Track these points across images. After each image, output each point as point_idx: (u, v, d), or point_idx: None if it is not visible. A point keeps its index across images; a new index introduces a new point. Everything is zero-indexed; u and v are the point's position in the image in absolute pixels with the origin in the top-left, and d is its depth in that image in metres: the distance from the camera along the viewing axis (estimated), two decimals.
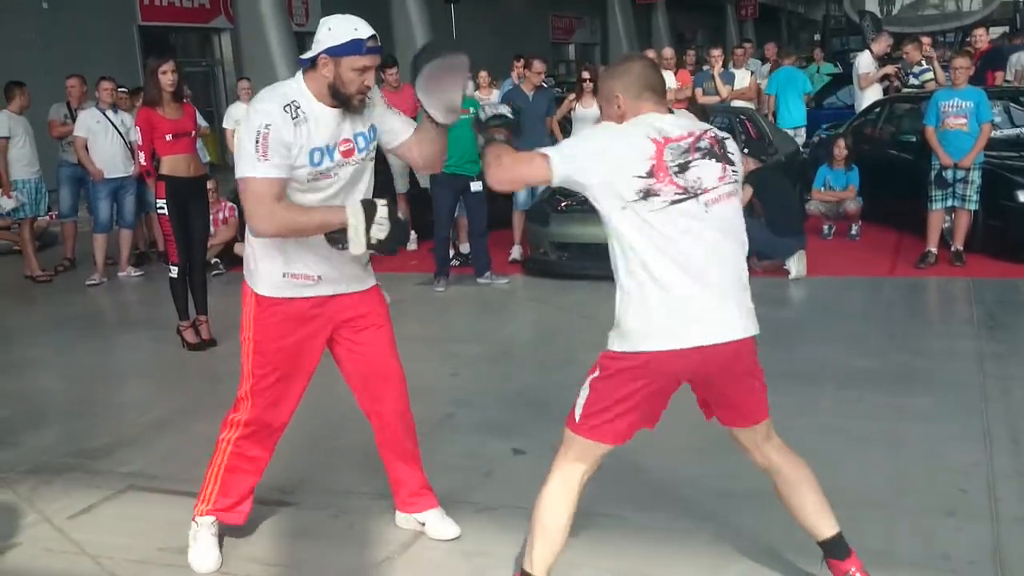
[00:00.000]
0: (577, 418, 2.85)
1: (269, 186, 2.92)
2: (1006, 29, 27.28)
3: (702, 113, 7.91)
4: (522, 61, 8.88)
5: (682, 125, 2.76)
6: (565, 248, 8.04)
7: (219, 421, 5.02)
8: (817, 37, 42.40)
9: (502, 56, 16.62)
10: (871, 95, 10.58)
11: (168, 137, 6.23)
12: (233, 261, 9.13)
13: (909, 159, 8.27)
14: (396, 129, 3.31)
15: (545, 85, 9.28)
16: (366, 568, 3.45)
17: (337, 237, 2.99)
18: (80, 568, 3.54)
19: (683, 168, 2.67)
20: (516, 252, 8.70)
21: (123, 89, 9.22)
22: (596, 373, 2.84)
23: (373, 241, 2.95)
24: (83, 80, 9.45)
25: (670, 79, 11.02)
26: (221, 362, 6.31)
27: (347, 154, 3.12)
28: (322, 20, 3.06)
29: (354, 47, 2.96)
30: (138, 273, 9.08)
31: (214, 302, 7.05)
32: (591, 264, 7.80)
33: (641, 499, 3.86)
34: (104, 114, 8.87)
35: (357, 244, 2.95)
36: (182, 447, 4.69)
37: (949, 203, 7.48)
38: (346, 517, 3.82)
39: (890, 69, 10.70)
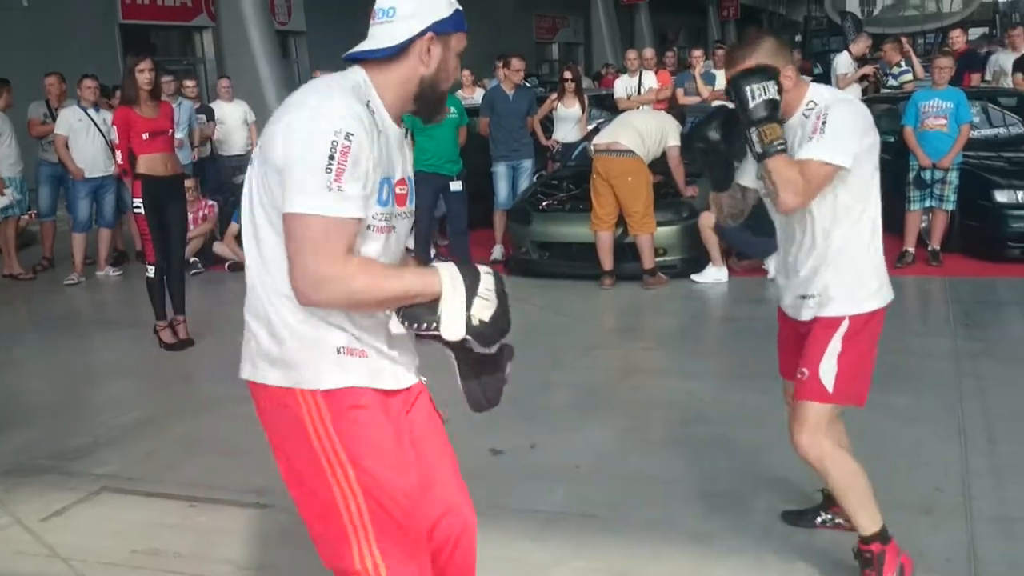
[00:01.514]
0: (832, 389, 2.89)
1: (342, 231, 1.93)
2: (985, 30, 27.49)
3: (682, 114, 7.95)
4: (502, 60, 8.85)
5: None
6: (547, 247, 8.04)
7: (196, 422, 5.04)
8: (798, 38, 42.59)
9: (486, 56, 16.62)
10: (849, 95, 10.61)
11: (145, 136, 6.19)
12: (211, 260, 9.11)
13: (887, 159, 8.26)
14: None
15: (527, 84, 9.27)
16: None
17: (418, 313, 2.04)
18: (52, 571, 3.50)
19: None
20: (498, 252, 8.69)
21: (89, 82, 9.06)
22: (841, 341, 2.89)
23: (475, 322, 2.04)
24: (62, 78, 9.39)
25: (650, 79, 11.05)
26: (198, 362, 6.30)
27: (401, 200, 2.16)
28: None
29: (460, 20, 2.18)
30: (117, 272, 9.03)
31: (192, 301, 7.02)
32: (572, 263, 7.82)
33: (620, 498, 3.85)
34: (86, 112, 8.82)
35: (454, 324, 2.03)
36: (158, 449, 4.66)
37: (927, 203, 7.52)
38: None
39: (868, 70, 10.75)
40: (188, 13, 17.41)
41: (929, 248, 7.61)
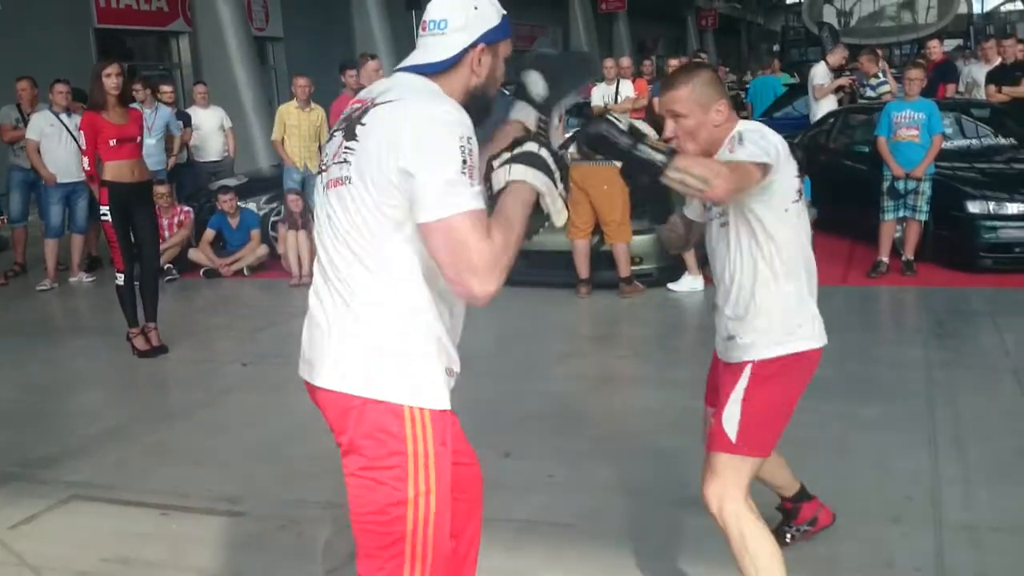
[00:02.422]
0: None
1: (482, 218, 1.92)
2: (960, 42, 27.79)
3: (658, 123, 7.98)
4: None
5: None
6: (523, 255, 7.96)
7: (168, 430, 5.01)
8: (776, 48, 42.89)
9: None
10: (826, 106, 10.70)
11: (112, 142, 6.14)
12: (186, 266, 9.06)
13: (862, 169, 8.37)
14: None
15: (506, 92, 9.26)
16: None
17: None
18: None
19: None
20: None
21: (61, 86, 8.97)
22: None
23: (564, 194, 2.14)
24: (33, 83, 9.30)
25: (627, 88, 11.09)
26: (171, 369, 6.25)
27: None
28: (439, 4, 2.15)
29: (507, 27, 2.18)
30: (90, 278, 8.96)
31: (167, 308, 6.98)
32: (549, 271, 7.82)
33: (594, 508, 3.86)
34: (58, 117, 8.75)
35: (558, 208, 2.13)
36: (129, 457, 4.62)
37: (901, 213, 7.58)
38: (295, 527, 3.78)
39: (845, 81, 10.83)
40: (164, 18, 17.31)
41: (903, 258, 7.67)
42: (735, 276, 2.75)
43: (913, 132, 7.40)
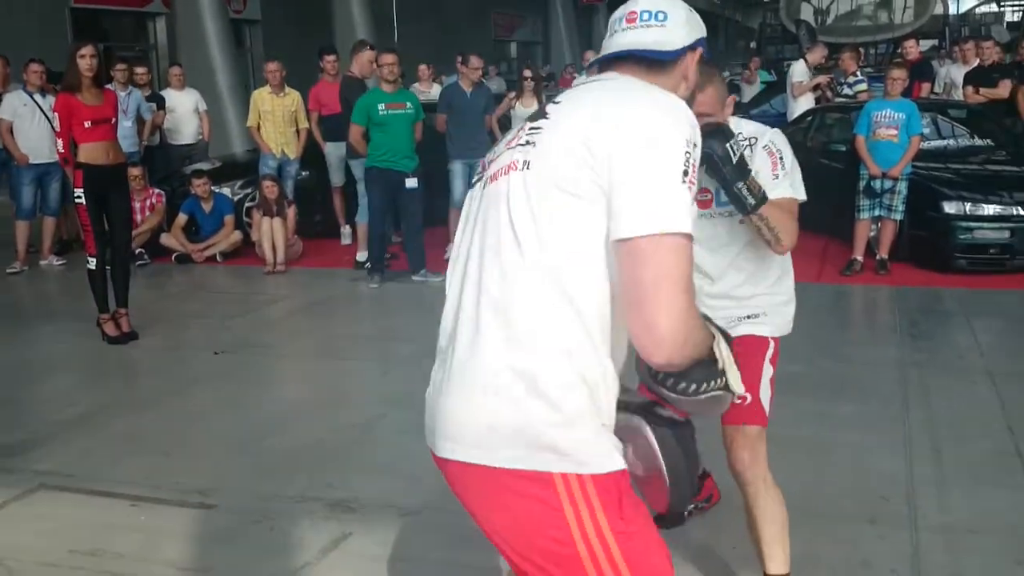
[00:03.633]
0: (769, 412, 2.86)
1: (689, 253, 1.55)
2: (935, 42, 27.97)
3: None
4: (462, 57, 8.80)
5: None
6: None
7: (138, 418, 4.94)
8: (753, 45, 42.96)
9: (444, 51, 16.53)
10: (804, 104, 10.74)
11: (87, 124, 6.04)
12: (158, 251, 8.94)
13: (839, 168, 8.39)
14: None
15: (483, 82, 9.20)
16: (284, 575, 3.36)
17: (705, 373, 1.73)
18: None
19: None
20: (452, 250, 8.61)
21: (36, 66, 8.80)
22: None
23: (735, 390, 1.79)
24: (6, 62, 9.16)
25: None
26: (142, 356, 6.17)
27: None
28: None
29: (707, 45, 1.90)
30: (60, 262, 8.82)
31: (137, 293, 6.88)
32: None
33: None
34: (32, 97, 8.62)
35: (738, 382, 1.77)
36: (98, 446, 4.54)
37: (876, 212, 7.61)
38: (267, 521, 3.72)
39: (823, 79, 10.87)
40: None
41: (877, 257, 7.70)
42: (750, 257, 2.82)
43: (892, 132, 7.43)
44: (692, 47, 1.82)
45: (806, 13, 42.36)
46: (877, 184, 7.48)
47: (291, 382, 5.72)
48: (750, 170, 2.46)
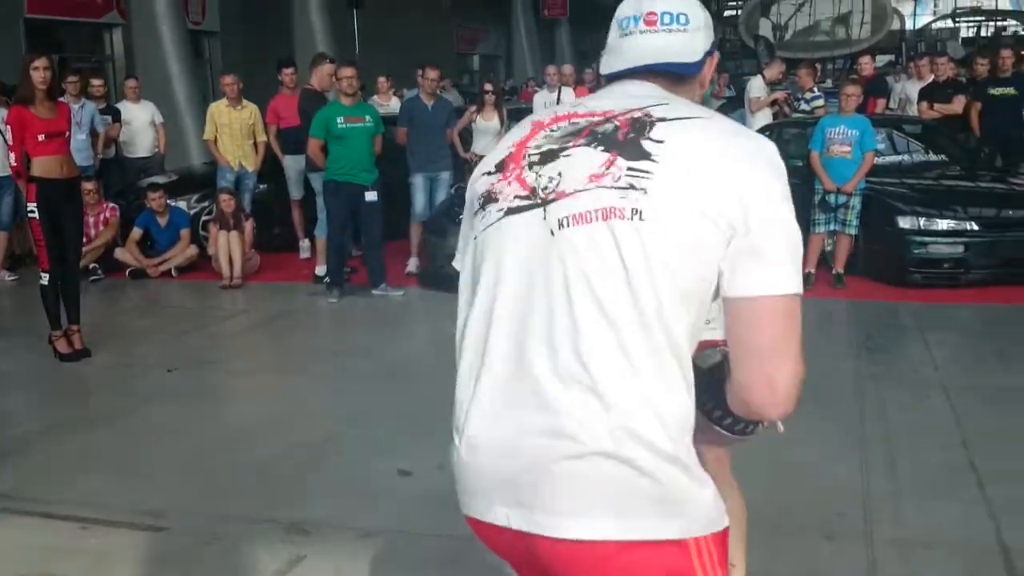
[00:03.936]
0: None
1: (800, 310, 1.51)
2: (891, 58, 28.41)
3: None
4: (422, 70, 8.79)
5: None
6: None
7: (90, 437, 4.85)
8: None
9: (405, 64, 16.47)
10: (761, 119, 10.82)
11: (40, 137, 5.94)
12: (111, 266, 8.81)
13: (795, 183, 8.41)
14: None
15: (443, 96, 9.20)
16: None
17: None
18: None
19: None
20: (413, 264, 8.59)
21: None
22: None
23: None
24: None
25: (569, 95, 11.08)
26: (94, 373, 6.07)
27: None
28: None
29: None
30: (12, 277, 8.66)
31: (91, 309, 6.78)
32: None
33: None
34: None
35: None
36: (51, 465, 4.45)
37: (831, 227, 7.69)
38: (220, 543, 3.65)
39: (780, 95, 10.96)
40: (98, 10, 16.87)
41: (833, 271, 7.77)
42: None
43: (846, 148, 7.51)
44: (711, 52, 1.71)
45: (764, 28, 42.88)
46: (832, 199, 7.56)
47: (245, 399, 5.63)
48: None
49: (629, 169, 1.49)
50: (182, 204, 9.39)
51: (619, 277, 1.45)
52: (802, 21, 44.26)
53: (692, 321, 1.49)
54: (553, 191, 1.53)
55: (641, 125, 1.54)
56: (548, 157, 1.58)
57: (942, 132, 9.55)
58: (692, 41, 1.67)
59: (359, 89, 8.00)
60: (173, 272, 8.86)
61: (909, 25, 50.24)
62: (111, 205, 9.12)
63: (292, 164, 8.94)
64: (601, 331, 1.45)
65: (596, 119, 1.59)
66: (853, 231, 7.63)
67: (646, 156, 1.49)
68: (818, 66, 12.46)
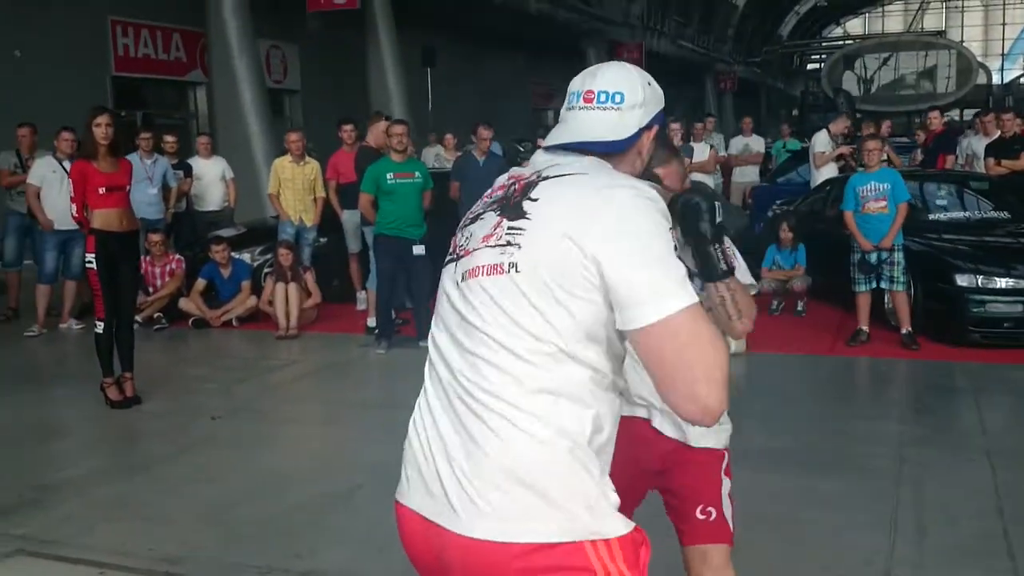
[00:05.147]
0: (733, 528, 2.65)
1: (701, 312, 1.65)
2: (978, 112, 27.79)
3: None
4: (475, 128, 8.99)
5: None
6: None
7: (123, 484, 4.98)
8: (795, 112, 43.07)
9: (480, 119, 16.71)
10: (826, 173, 10.68)
11: (101, 190, 6.20)
12: (176, 315, 9.08)
13: (847, 235, 8.32)
14: None
15: (495, 152, 9.36)
16: None
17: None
18: None
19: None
20: None
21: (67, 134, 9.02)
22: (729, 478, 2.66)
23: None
24: (34, 130, 9.45)
25: None
26: (143, 421, 6.22)
27: None
28: (620, 71, 1.87)
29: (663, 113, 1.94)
30: (79, 325, 8.98)
31: (151, 357, 7.00)
32: None
33: None
34: (61, 164, 8.85)
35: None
36: (79, 511, 4.57)
37: (874, 285, 7.49)
38: None
39: (845, 150, 10.82)
40: (182, 68, 17.65)
41: (902, 331, 7.49)
42: None
43: (881, 204, 7.35)
44: (648, 127, 1.85)
45: (849, 82, 42.56)
46: (872, 258, 7.40)
47: (282, 448, 5.73)
48: (725, 237, 2.25)
49: (509, 228, 1.70)
50: (246, 256, 9.65)
51: (503, 319, 1.66)
52: (887, 75, 43.80)
53: (605, 338, 1.66)
54: (464, 249, 1.80)
55: (528, 187, 1.74)
56: (473, 220, 1.83)
57: (1009, 189, 9.28)
58: (624, 118, 1.82)
59: (408, 146, 8.15)
60: (234, 322, 9.09)
61: (996, 79, 49.21)
62: (177, 257, 9.43)
63: (349, 218, 9.14)
64: (492, 365, 1.66)
65: (511, 183, 1.81)
66: (902, 287, 7.41)
67: (522, 215, 1.70)
68: (884, 122, 12.24)
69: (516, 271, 1.66)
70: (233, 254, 9.35)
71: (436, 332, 1.83)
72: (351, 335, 8.59)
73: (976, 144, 10.43)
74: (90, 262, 6.27)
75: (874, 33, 55.28)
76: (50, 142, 9.06)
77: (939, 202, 8.93)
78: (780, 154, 15.70)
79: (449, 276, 1.82)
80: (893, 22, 58.63)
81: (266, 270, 9.54)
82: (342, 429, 6.04)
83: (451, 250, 1.85)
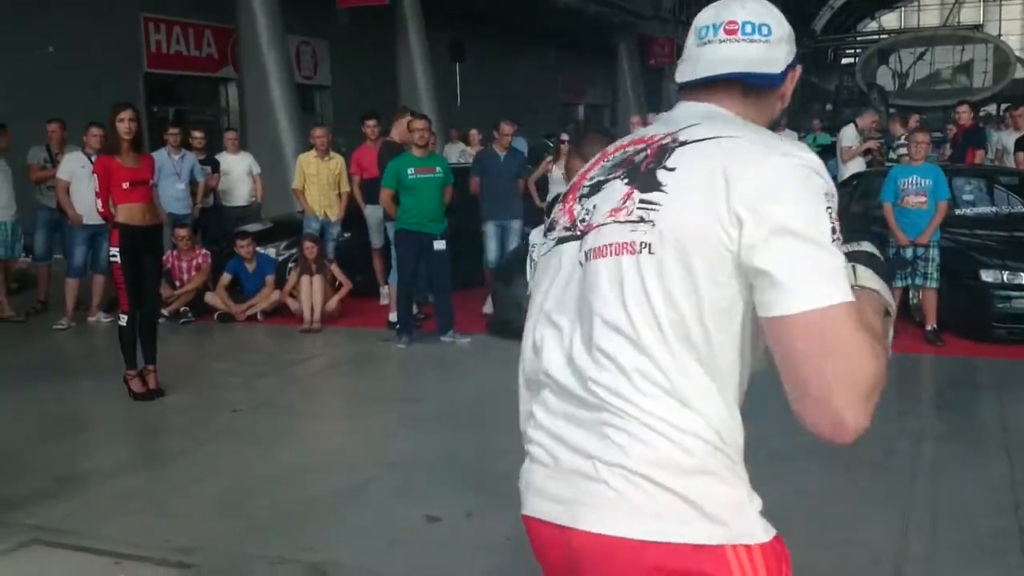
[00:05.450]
0: None
1: (857, 319, 1.39)
2: (989, 109, 27.42)
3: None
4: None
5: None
6: None
7: (141, 475, 5.04)
8: (829, 107, 42.69)
9: (509, 114, 16.71)
10: (853, 168, 10.61)
11: (125, 185, 6.28)
12: (202, 309, 9.17)
13: (880, 232, 8.23)
14: None
15: (516, 147, 9.37)
16: None
17: None
18: None
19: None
20: (489, 306, 8.66)
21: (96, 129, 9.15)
22: None
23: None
24: (64, 125, 9.58)
25: None
26: (165, 413, 6.29)
27: None
28: (759, 3, 1.64)
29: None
30: (108, 319, 9.08)
31: (176, 351, 7.08)
32: None
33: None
34: (90, 159, 8.95)
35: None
36: (97, 502, 4.64)
37: (908, 281, 7.42)
38: None
39: (872, 144, 10.74)
40: (213, 64, 17.80)
41: (927, 327, 7.43)
42: None
43: (921, 199, 7.27)
44: (793, 65, 1.64)
45: (883, 76, 42.07)
46: (908, 252, 7.31)
47: (300, 441, 5.76)
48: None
49: (641, 202, 1.49)
50: (271, 251, 9.73)
51: (633, 306, 1.45)
52: (922, 70, 43.25)
53: (735, 333, 1.46)
54: (587, 224, 1.57)
55: (663, 152, 1.52)
56: (594, 189, 1.61)
57: None
58: (773, 52, 1.60)
59: (430, 141, 8.16)
60: (259, 316, 9.16)
61: None
62: (203, 251, 9.53)
63: (372, 213, 9.19)
64: (614, 358, 1.46)
65: (639, 147, 1.59)
66: (935, 284, 7.34)
67: (657, 187, 1.48)
68: (913, 116, 12.11)
69: (650, 252, 1.45)
70: (258, 249, 9.43)
71: (542, 322, 1.61)
72: (374, 329, 8.63)
73: (1007, 139, 10.30)
74: (114, 256, 6.36)
75: (910, 27, 54.58)
76: (81, 138, 9.19)
77: (966, 197, 8.83)
78: (811, 148, 15.62)
79: (568, 256, 1.59)
80: (929, 16, 57.79)
81: (290, 265, 9.61)
82: (360, 423, 6.08)
83: (566, 224, 1.62)
